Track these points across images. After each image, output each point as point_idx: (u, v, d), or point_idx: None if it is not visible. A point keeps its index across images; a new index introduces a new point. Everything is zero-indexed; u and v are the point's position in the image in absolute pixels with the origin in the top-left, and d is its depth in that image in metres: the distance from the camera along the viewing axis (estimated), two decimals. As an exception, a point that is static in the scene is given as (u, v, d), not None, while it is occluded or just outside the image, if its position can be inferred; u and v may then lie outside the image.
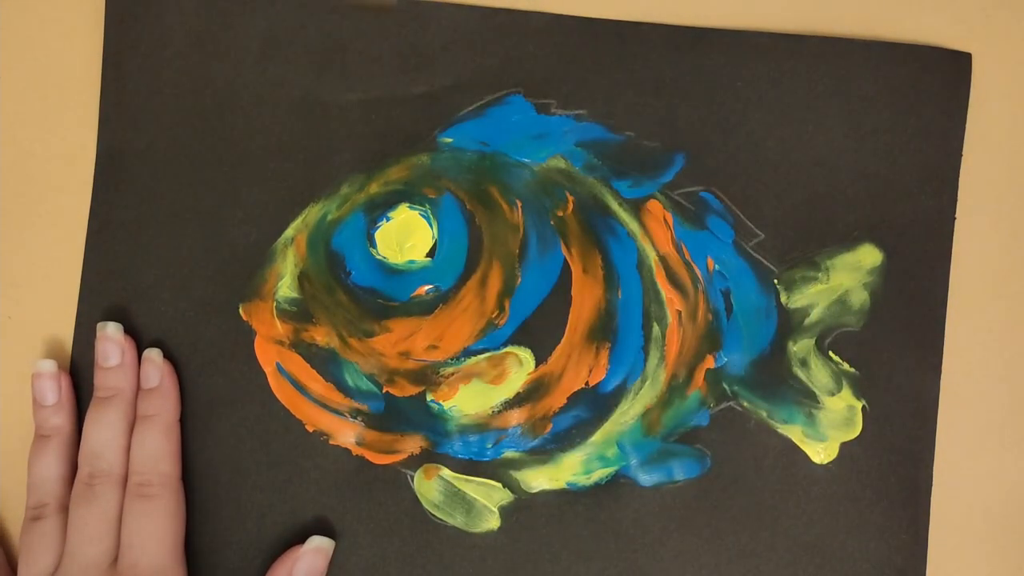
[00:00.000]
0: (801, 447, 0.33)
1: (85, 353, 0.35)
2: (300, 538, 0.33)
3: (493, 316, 0.34)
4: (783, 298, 0.34)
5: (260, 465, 0.34)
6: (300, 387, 0.34)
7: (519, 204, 0.34)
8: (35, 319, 0.35)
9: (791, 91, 0.34)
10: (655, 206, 0.34)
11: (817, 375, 0.33)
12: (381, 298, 0.34)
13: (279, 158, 0.35)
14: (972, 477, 0.34)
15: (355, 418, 0.34)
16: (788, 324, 0.34)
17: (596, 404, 0.34)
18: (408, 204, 0.35)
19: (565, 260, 0.34)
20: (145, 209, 0.35)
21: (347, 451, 0.34)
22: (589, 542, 0.33)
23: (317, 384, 0.34)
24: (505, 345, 0.34)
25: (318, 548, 0.33)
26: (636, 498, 0.33)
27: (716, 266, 0.34)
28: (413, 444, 0.34)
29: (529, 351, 0.34)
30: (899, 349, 0.33)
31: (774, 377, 0.33)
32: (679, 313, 0.34)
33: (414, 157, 0.35)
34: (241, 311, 0.35)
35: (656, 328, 0.34)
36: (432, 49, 0.35)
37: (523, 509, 0.34)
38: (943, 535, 0.33)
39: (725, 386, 0.34)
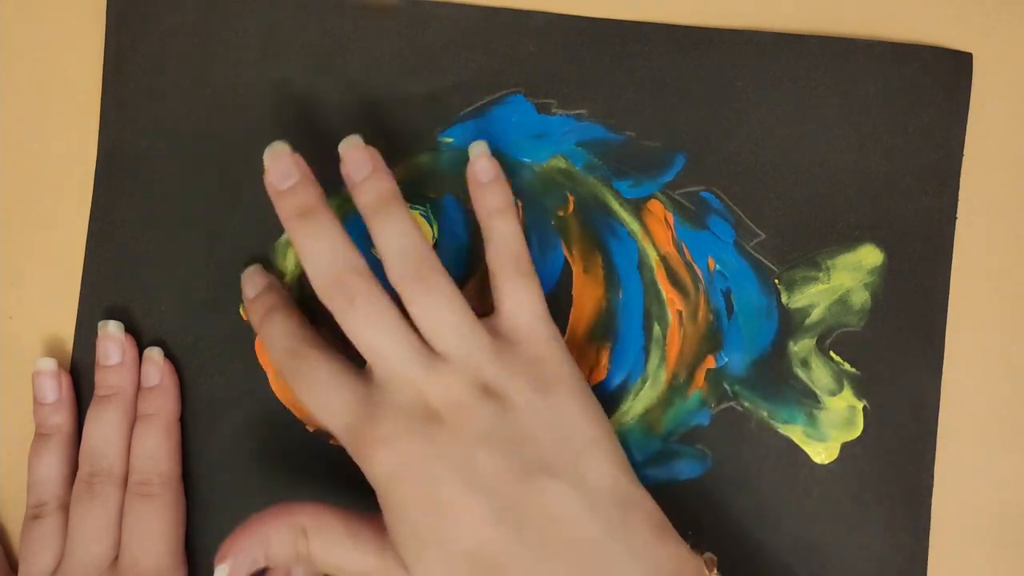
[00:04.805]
0: (802, 447, 0.33)
1: (86, 352, 0.35)
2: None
3: (493, 316, 0.34)
4: (784, 298, 0.34)
5: (260, 465, 0.34)
6: (300, 387, 0.34)
7: (520, 204, 0.34)
8: (36, 318, 0.35)
9: (791, 91, 0.34)
10: (656, 206, 0.34)
11: (818, 375, 0.33)
12: (381, 298, 0.34)
13: (279, 158, 0.35)
14: (972, 477, 0.33)
15: (355, 418, 0.34)
16: (789, 324, 0.34)
17: (597, 404, 0.34)
18: (408, 204, 0.34)
19: (566, 260, 0.34)
20: (145, 209, 0.35)
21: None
22: (590, 542, 0.33)
23: (317, 384, 0.34)
24: (505, 345, 0.34)
25: None
26: (637, 498, 0.33)
27: (717, 266, 0.34)
28: (413, 444, 0.34)
29: (530, 351, 0.34)
30: (900, 349, 0.33)
31: (775, 377, 0.33)
32: (680, 313, 0.34)
33: (414, 157, 0.35)
34: (241, 311, 0.34)
35: (657, 328, 0.34)
36: (432, 49, 0.35)
37: (523, 509, 0.34)
38: (943, 535, 0.33)
39: (726, 386, 0.34)
